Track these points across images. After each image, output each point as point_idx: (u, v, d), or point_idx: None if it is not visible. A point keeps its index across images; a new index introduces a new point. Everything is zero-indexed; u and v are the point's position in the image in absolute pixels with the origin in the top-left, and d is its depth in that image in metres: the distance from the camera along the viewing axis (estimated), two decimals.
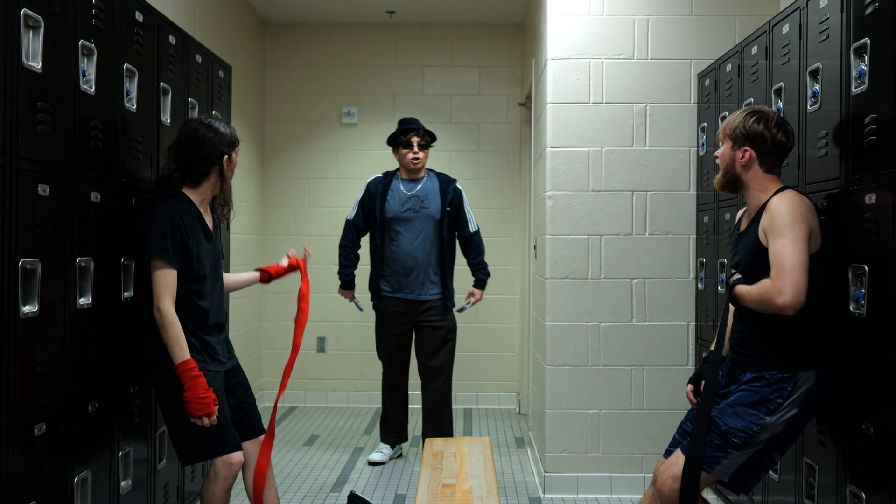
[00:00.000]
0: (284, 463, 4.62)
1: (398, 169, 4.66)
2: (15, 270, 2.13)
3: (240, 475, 2.91)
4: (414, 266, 4.48)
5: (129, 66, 2.83)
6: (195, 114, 3.48)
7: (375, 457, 4.60)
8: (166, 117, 3.18)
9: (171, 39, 3.22)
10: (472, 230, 4.62)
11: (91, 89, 2.55)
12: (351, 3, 5.80)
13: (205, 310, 2.81)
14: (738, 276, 2.54)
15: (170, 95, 3.19)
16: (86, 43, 2.52)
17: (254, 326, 5.96)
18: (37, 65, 2.23)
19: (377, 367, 4.72)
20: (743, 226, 2.65)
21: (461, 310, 4.71)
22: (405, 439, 4.75)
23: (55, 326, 2.35)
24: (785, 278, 2.32)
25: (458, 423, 5.63)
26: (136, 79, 2.88)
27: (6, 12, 2.10)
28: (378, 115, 6.25)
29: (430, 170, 4.71)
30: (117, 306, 2.77)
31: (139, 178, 2.95)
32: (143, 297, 2.90)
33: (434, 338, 4.53)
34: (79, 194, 2.49)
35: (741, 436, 2.42)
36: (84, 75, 2.52)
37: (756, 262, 2.49)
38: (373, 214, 4.55)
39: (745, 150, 2.53)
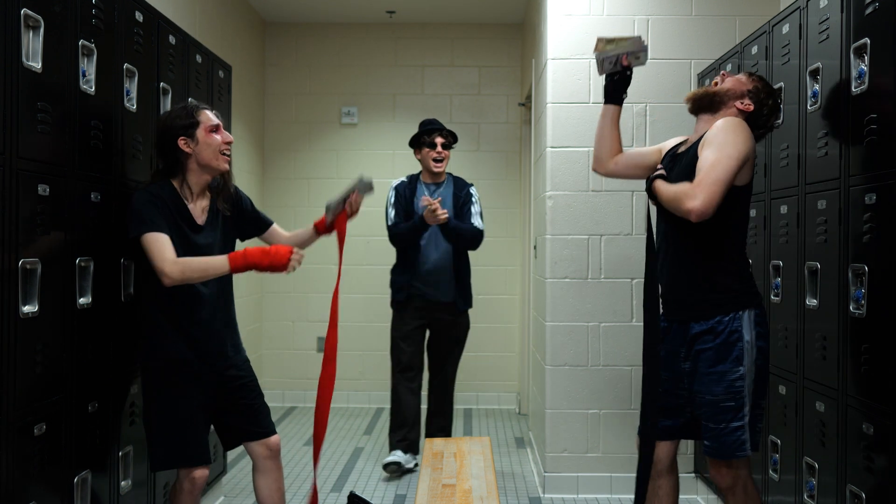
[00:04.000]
0: (284, 463, 4.62)
1: (420, 173, 4.57)
2: (15, 270, 2.13)
3: (250, 481, 2.85)
4: (433, 269, 4.40)
5: (129, 65, 2.83)
6: None
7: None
8: None
9: (171, 39, 3.22)
10: (473, 224, 4.39)
11: (91, 89, 2.55)
12: (351, 3, 5.80)
13: (198, 298, 2.73)
14: (662, 171, 2.58)
15: (170, 95, 3.19)
16: (86, 43, 2.51)
17: (254, 326, 5.95)
18: (37, 65, 2.23)
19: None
20: (681, 149, 2.66)
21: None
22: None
23: (55, 326, 2.35)
24: (704, 188, 2.35)
25: (458, 423, 5.64)
26: (136, 79, 2.88)
27: (6, 12, 2.10)
28: (378, 115, 6.26)
29: (450, 174, 4.61)
30: (117, 306, 2.77)
31: (139, 178, 2.95)
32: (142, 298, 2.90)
33: (447, 339, 4.57)
34: (79, 194, 2.49)
35: (731, 396, 2.43)
36: (84, 75, 2.51)
37: (692, 177, 2.47)
38: (410, 213, 4.41)
39: (749, 105, 2.58)
